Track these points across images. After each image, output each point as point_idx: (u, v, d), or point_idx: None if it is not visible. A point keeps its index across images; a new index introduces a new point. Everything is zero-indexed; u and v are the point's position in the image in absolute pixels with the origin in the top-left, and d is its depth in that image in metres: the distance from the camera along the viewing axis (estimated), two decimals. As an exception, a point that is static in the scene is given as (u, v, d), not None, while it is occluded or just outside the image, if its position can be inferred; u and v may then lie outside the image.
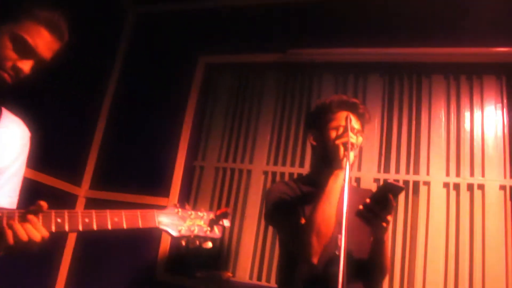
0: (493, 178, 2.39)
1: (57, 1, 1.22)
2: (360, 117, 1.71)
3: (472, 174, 2.44)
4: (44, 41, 1.17)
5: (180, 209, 1.29)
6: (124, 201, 2.83)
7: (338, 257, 1.52)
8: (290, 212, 1.65)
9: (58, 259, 2.86)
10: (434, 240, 2.36)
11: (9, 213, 1.06)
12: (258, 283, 2.56)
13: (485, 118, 2.52)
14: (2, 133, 1.26)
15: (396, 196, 1.45)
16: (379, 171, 2.58)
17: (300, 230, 1.56)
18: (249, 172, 2.77)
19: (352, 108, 1.69)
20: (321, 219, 1.53)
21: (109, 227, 1.16)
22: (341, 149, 1.57)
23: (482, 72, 2.59)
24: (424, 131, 2.57)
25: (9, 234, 1.03)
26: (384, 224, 1.50)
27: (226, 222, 1.32)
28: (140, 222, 1.20)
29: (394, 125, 2.63)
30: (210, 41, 3.09)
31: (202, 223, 1.30)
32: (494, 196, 2.35)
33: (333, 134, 1.65)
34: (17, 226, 1.04)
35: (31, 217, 1.06)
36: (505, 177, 2.39)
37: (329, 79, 2.81)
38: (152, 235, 2.70)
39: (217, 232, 1.31)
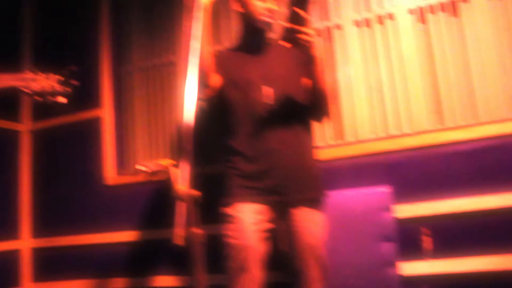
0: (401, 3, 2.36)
1: None
2: None
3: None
4: None
5: (28, 72, 1.51)
6: (63, 123, 2.90)
7: (267, 105, 1.76)
8: None
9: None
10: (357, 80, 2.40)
11: None
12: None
13: None
14: None
15: (304, 6, 1.54)
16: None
17: None
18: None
19: None
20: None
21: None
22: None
23: None
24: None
25: None
26: (309, 38, 1.59)
27: (73, 81, 1.57)
28: None
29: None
30: None
31: (52, 82, 1.53)
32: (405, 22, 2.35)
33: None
34: None
35: None
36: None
37: None
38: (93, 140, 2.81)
39: (67, 88, 1.56)
